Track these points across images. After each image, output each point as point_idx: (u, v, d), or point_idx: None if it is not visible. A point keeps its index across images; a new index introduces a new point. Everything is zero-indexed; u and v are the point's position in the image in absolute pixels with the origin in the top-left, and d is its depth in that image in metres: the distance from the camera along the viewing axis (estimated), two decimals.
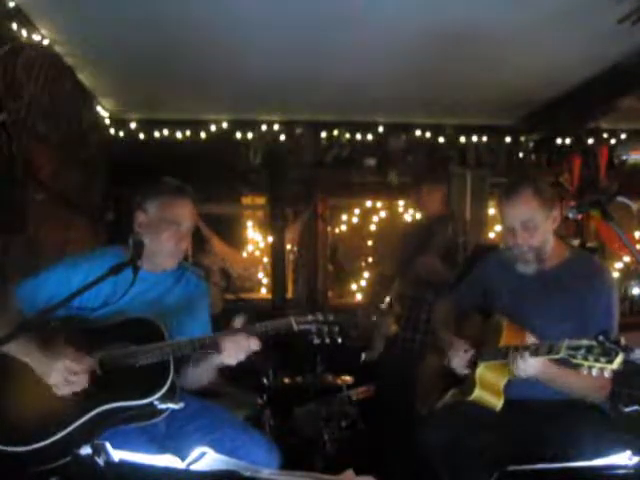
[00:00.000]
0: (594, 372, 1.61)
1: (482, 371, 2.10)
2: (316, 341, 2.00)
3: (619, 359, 1.58)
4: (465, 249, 3.67)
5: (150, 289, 2.11)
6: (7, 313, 1.92)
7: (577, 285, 2.11)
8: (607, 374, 1.61)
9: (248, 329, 1.96)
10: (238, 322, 1.98)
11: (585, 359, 1.63)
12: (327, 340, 1.99)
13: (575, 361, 1.65)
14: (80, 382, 1.82)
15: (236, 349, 1.91)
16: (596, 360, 1.61)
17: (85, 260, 2.07)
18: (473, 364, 2.15)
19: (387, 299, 3.78)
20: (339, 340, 2.00)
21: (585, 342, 1.65)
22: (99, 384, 1.87)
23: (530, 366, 1.86)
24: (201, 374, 2.10)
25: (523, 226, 2.12)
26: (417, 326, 3.59)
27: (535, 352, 1.83)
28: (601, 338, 1.61)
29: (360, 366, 3.88)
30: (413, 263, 3.61)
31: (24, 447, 1.77)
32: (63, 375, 1.79)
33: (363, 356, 3.87)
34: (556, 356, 1.74)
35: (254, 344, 1.93)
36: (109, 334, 1.94)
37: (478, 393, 2.08)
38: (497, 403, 2.07)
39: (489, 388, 2.08)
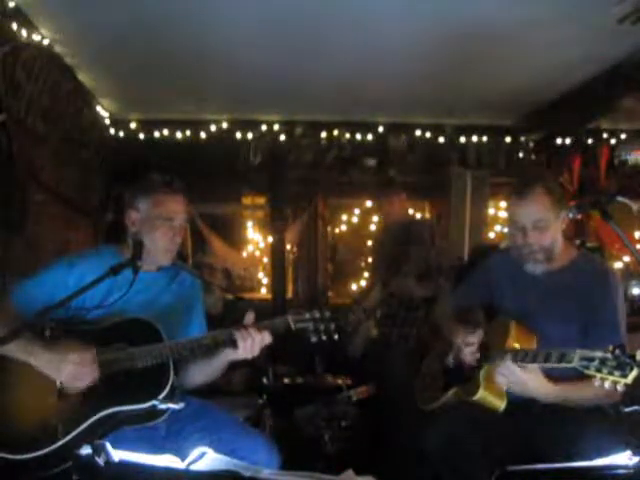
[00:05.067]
0: (607, 385, 1.58)
1: (487, 372, 2.09)
2: (313, 339, 2.00)
3: (634, 374, 1.55)
4: (440, 253, 3.74)
5: (145, 289, 2.10)
6: (6, 314, 1.92)
7: (583, 287, 2.10)
8: (620, 388, 1.57)
9: (258, 325, 1.97)
10: (249, 318, 1.98)
11: (598, 371, 1.59)
12: (324, 337, 1.99)
13: (587, 372, 1.62)
14: (92, 374, 1.82)
15: (251, 343, 1.92)
16: (610, 373, 1.57)
17: (80, 260, 2.06)
18: (478, 364, 2.15)
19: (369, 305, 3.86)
20: (335, 337, 2.00)
21: (599, 354, 1.61)
22: (99, 388, 1.86)
23: (525, 380, 1.86)
24: (213, 369, 2.09)
25: (534, 225, 2.10)
26: (395, 322, 3.68)
27: (546, 359, 1.81)
28: (617, 351, 1.57)
29: (362, 365, 3.90)
30: (389, 280, 3.70)
31: (26, 455, 1.76)
32: (75, 369, 1.79)
33: (349, 351, 3.93)
34: (568, 365, 1.71)
35: (267, 338, 1.95)
36: (106, 335, 1.93)
37: (482, 394, 2.07)
38: (500, 405, 2.06)
39: (493, 389, 2.07)
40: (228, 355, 1.99)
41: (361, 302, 3.96)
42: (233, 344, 1.93)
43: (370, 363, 3.80)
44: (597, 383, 1.59)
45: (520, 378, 1.90)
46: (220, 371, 2.11)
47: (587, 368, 1.62)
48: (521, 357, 1.91)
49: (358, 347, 3.87)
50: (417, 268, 3.63)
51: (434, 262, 3.69)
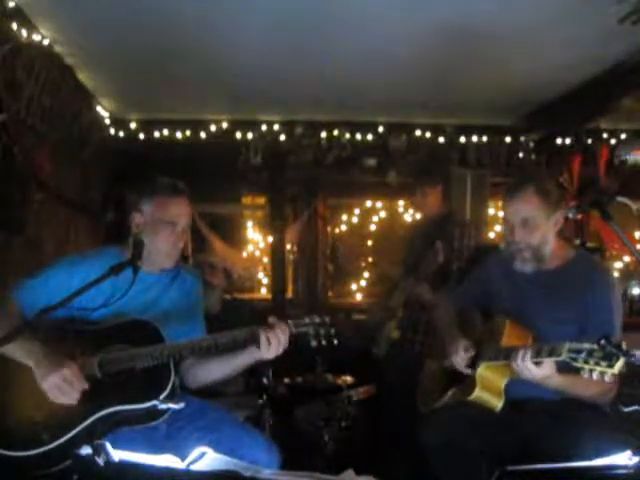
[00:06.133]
0: (595, 376, 1.61)
1: (483, 371, 2.09)
2: (313, 343, 2.00)
3: (620, 363, 1.58)
4: (463, 255, 3.56)
5: (148, 290, 2.11)
6: (6, 314, 1.92)
7: (578, 287, 2.11)
8: (607, 378, 1.60)
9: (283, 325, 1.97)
10: (273, 320, 1.98)
11: (586, 362, 1.62)
12: (324, 342, 2.00)
13: (576, 364, 1.65)
14: (72, 395, 1.80)
15: (276, 343, 1.92)
16: (597, 364, 1.60)
17: (84, 260, 2.07)
18: (474, 363, 2.15)
19: (393, 304, 3.78)
20: (335, 342, 2.01)
21: (586, 345, 1.64)
22: (100, 387, 1.86)
23: (532, 370, 1.85)
24: (234, 367, 2.08)
25: (522, 223, 2.13)
26: (417, 328, 3.59)
27: (537, 354, 1.83)
28: (603, 342, 1.60)
29: (362, 365, 3.88)
30: (406, 282, 3.62)
31: (26, 452, 1.76)
32: (58, 383, 1.78)
33: (374, 350, 3.86)
34: (557, 358, 1.74)
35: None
36: (108, 336, 1.94)
37: (478, 393, 2.07)
38: (497, 403, 2.07)
39: (489, 388, 2.08)
40: (254, 353, 1.99)
41: (386, 301, 3.88)
42: (256, 343, 1.93)
43: (389, 366, 3.72)
44: (585, 375, 1.62)
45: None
46: (241, 369, 2.10)
47: (575, 360, 1.65)
48: (514, 353, 1.91)
49: (381, 348, 3.80)
50: (433, 271, 3.41)
51: (455, 265, 3.43)
